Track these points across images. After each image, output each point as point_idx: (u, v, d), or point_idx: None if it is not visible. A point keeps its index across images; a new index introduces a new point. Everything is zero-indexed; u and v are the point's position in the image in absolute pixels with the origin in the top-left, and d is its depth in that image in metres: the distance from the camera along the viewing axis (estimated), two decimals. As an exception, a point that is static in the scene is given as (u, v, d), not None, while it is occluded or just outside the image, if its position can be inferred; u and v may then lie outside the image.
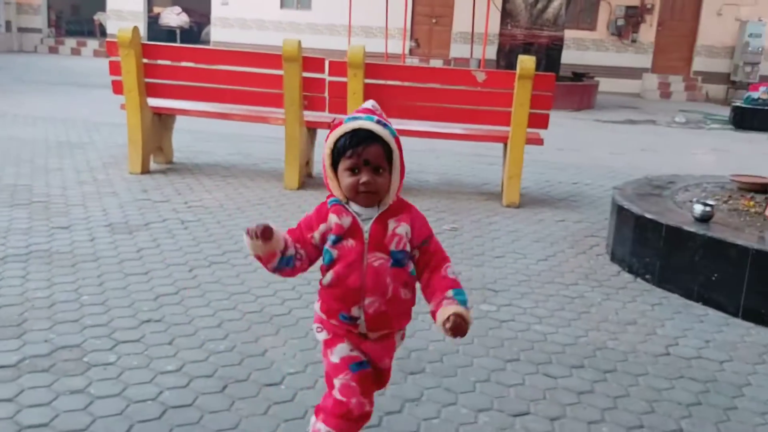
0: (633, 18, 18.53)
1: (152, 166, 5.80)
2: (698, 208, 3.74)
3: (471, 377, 2.63)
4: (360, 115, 1.76)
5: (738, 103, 12.95)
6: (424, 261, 1.83)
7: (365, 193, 1.74)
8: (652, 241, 3.79)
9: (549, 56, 13.71)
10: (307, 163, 5.78)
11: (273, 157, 6.51)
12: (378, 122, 1.74)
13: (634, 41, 18.72)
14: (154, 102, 5.62)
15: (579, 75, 15.11)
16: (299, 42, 5.14)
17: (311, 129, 5.71)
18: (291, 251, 1.79)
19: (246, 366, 2.60)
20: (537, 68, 5.11)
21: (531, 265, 4.00)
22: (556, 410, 2.44)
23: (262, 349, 2.75)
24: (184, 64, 5.65)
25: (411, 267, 1.83)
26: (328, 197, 1.83)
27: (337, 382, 1.82)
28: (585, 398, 2.53)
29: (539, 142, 5.45)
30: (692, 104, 16.84)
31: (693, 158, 8.64)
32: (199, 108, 5.78)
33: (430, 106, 5.41)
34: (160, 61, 5.70)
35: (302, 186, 5.49)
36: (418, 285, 1.87)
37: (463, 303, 1.75)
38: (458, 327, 1.70)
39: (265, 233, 1.72)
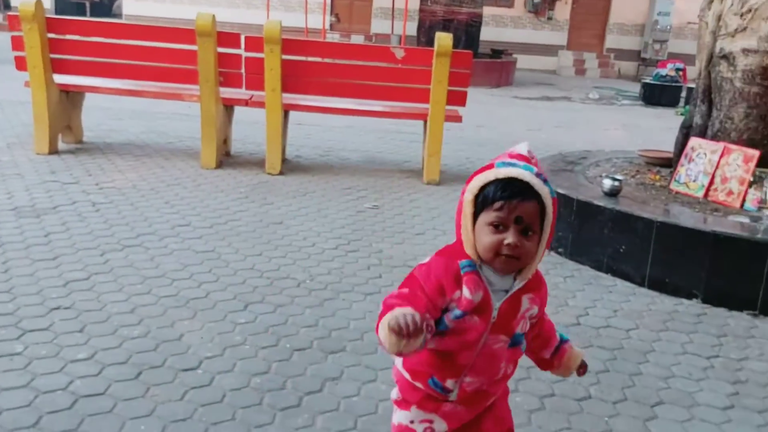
0: (549, -5, 18.94)
1: (60, 145, 5.56)
2: (607, 183, 3.89)
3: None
4: (516, 161, 1.42)
5: (647, 80, 13.45)
6: (539, 323, 1.66)
7: (507, 258, 1.41)
8: (564, 215, 3.91)
9: (468, 33, 13.87)
10: (225, 141, 5.67)
11: (189, 135, 6.35)
12: (537, 175, 1.41)
13: (550, 18, 19.15)
14: (60, 79, 5.37)
15: (497, 52, 15.34)
16: (213, 16, 5.00)
17: (228, 106, 5.59)
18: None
19: (161, 351, 2.55)
20: (456, 45, 5.17)
21: (450, 241, 4.06)
22: (473, 383, 2.50)
23: (179, 334, 2.70)
24: (92, 39, 5.41)
25: (524, 344, 1.59)
26: (453, 251, 1.51)
27: None
28: (500, 370, 2.60)
29: (458, 119, 5.51)
30: (605, 81, 17.41)
31: (605, 134, 8.94)
32: (110, 85, 5.56)
33: (350, 83, 5.38)
34: (67, 36, 5.44)
35: (220, 165, 5.38)
36: None
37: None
38: (586, 367, 1.73)
39: (418, 328, 1.31)
